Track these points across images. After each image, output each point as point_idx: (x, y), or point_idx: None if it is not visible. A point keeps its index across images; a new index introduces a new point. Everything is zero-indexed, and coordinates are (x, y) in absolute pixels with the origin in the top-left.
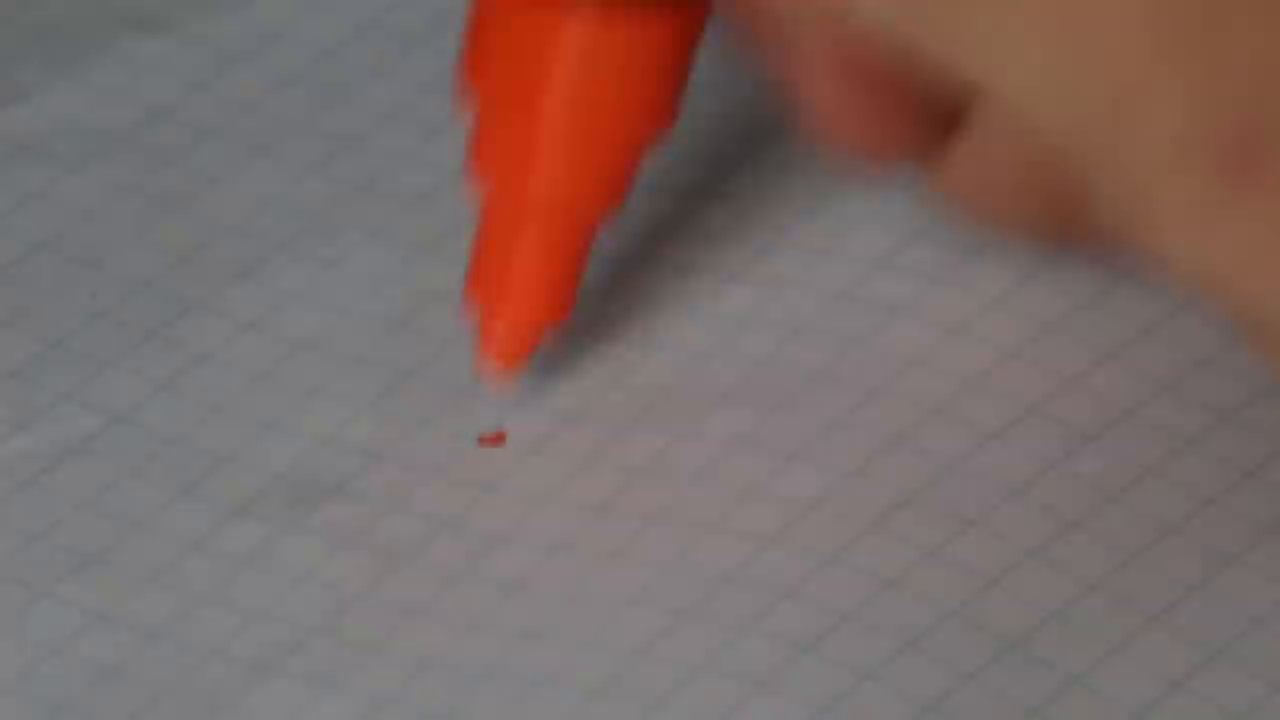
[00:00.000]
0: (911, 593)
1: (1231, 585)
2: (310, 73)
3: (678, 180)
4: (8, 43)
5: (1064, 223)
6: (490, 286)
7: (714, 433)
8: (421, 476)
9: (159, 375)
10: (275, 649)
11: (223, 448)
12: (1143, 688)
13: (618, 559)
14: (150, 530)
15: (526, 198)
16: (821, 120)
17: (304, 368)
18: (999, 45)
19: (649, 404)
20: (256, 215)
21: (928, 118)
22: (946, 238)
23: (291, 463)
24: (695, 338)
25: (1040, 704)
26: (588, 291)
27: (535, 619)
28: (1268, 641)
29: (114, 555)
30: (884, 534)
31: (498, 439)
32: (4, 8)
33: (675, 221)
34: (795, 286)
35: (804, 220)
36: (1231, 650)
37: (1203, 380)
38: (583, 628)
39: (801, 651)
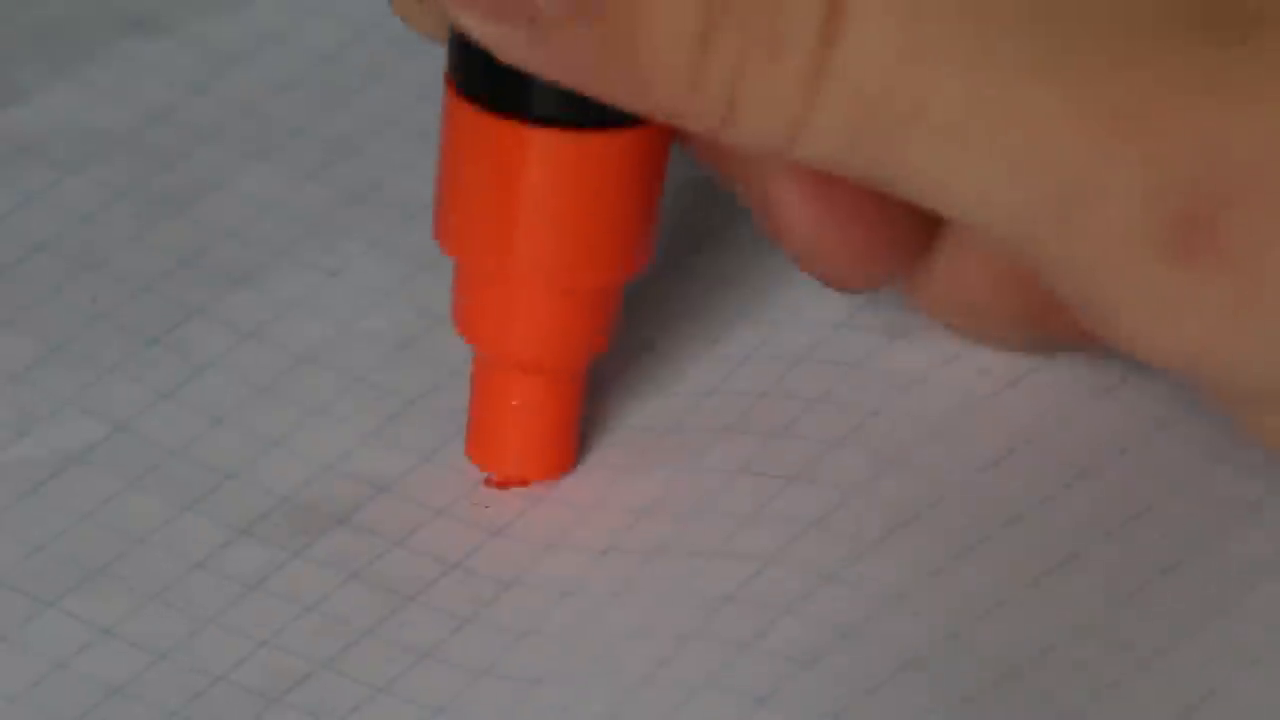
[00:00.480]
0: (911, 612)
1: (1226, 625)
2: (310, 76)
3: (674, 229)
4: (7, 43)
5: (1045, 330)
6: (489, 450)
7: (715, 464)
8: (428, 515)
9: (160, 383)
10: (282, 679)
11: (226, 464)
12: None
13: (621, 596)
14: (154, 545)
15: (510, 360)
16: (798, 247)
17: (306, 383)
18: (940, 164)
19: (652, 445)
20: (256, 220)
21: (902, 236)
22: None
23: (295, 486)
24: (696, 378)
25: None
26: None
27: (544, 663)
28: (1262, 683)
29: (119, 569)
30: (883, 553)
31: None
32: (4, 8)
33: (673, 270)
34: (794, 323)
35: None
36: (1226, 690)
37: (1198, 419)
38: (587, 667)
39: (801, 668)
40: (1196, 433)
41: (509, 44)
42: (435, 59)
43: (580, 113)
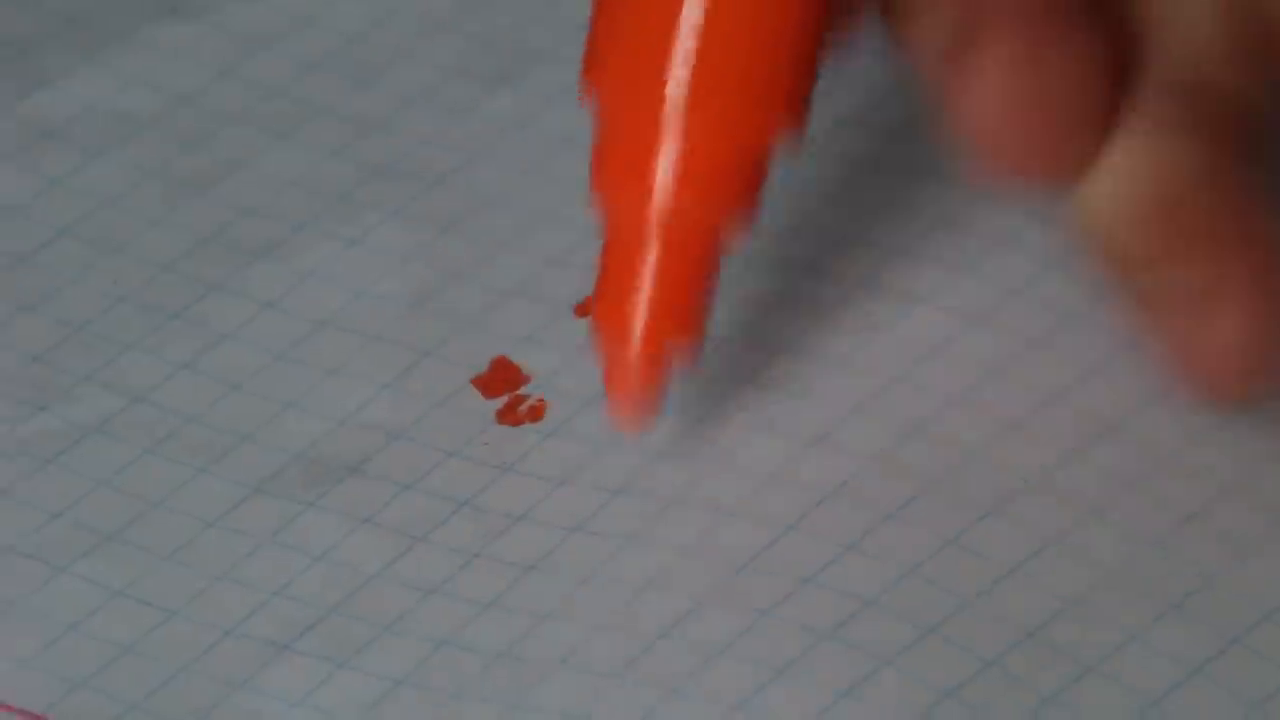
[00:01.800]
0: (931, 580)
1: (1250, 574)
2: (336, 57)
3: None
4: (34, 28)
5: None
6: (616, 314)
7: (735, 417)
8: (440, 456)
9: (180, 355)
10: (291, 627)
11: (242, 426)
12: (1160, 675)
13: (636, 541)
14: (169, 508)
15: (650, 210)
16: (985, 135)
17: (324, 346)
18: None
19: (670, 387)
20: (278, 197)
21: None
22: (969, 227)
23: (311, 441)
24: (718, 322)
25: (1057, 691)
26: None
27: (552, 600)
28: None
29: (132, 533)
30: (904, 521)
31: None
32: None
33: None
34: (818, 273)
35: (827, 207)
36: (1249, 638)
37: None
38: (600, 610)
39: (821, 638)
40: None
41: None
42: (460, 39)
43: None
